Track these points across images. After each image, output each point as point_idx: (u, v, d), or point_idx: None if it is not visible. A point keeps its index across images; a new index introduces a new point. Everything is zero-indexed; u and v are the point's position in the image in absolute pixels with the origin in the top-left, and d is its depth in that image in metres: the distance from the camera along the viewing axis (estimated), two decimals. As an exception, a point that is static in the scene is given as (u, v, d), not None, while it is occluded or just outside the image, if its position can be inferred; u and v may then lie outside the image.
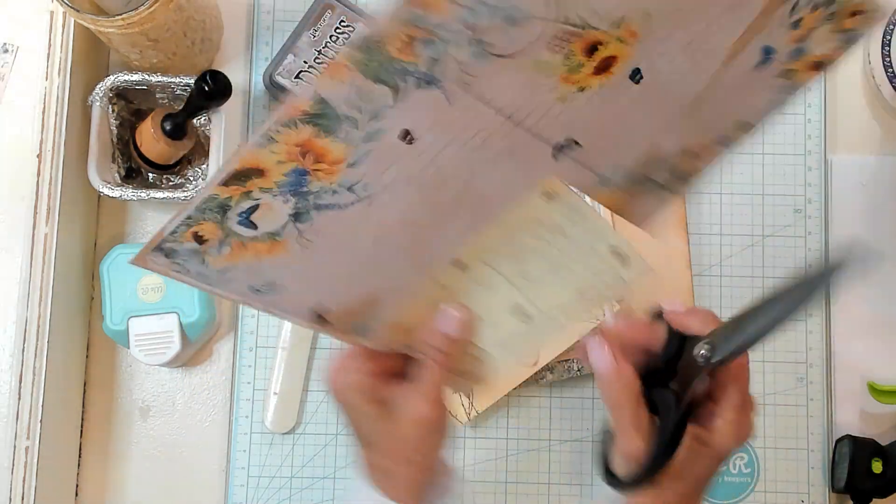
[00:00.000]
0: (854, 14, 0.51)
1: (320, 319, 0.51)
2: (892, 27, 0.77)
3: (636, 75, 0.49)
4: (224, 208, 0.45)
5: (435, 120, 0.47)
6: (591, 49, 0.46)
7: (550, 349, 0.54)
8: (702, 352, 0.48)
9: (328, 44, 0.76)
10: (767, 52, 0.51)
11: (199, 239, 0.46)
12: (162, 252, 0.46)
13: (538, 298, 0.55)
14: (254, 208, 0.46)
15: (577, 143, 0.50)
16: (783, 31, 0.51)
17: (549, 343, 0.54)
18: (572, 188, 0.52)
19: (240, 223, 0.46)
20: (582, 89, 0.48)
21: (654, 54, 0.48)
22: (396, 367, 0.54)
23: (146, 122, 0.73)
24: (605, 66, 0.47)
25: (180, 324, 0.71)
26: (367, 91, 0.44)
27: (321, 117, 0.44)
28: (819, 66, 0.53)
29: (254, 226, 0.46)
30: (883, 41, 0.77)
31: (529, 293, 0.55)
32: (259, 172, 0.45)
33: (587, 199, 0.53)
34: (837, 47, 0.52)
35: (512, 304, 0.55)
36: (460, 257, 0.53)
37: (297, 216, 0.47)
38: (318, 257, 0.49)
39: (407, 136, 0.46)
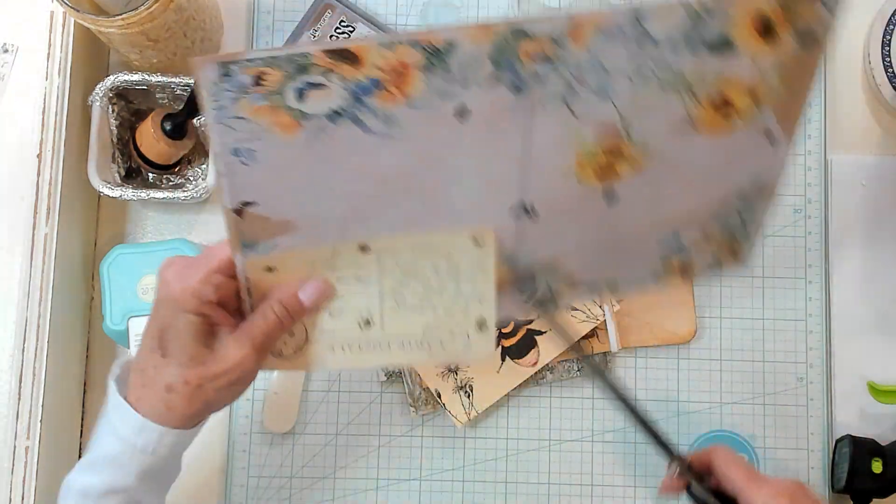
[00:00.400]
0: (732, 252, 0.61)
1: (237, 212, 0.51)
2: (892, 27, 0.77)
3: (612, 200, 0.56)
4: (302, 70, 0.47)
5: (490, 120, 0.50)
6: (609, 152, 0.53)
7: (357, 365, 0.59)
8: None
9: (328, 44, 0.76)
10: (674, 236, 0.60)
11: (258, 80, 0.47)
12: (221, 69, 0.47)
13: (389, 322, 0.57)
14: (318, 86, 0.48)
15: (533, 211, 0.55)
16: (695, 231, 0.59)
17: (367, 361, 0.58)
18: (493, 248, 0.56)
19: (295, 90, 0.48)
20: (578, 180, 0.54)
21: (632, 191, 0.56)
22: (234, 299, 0.55)
23: (146, 122, 0.73)
24: (605, 175, 0.54)
25: (180, 324, 0.71)
26: (480, 63, 0.48)
27: (437, 57, 0.47)
28: (685, 271, 0.61)
29: (300, 99, 0.48)
30: (883, 41, 0.77)
31: (386, 314, 0.57)
32: (356, 62, 0.47)
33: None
34: (704, 266, 0.61)
35: (365, 312, 0.57)
36: (368, 243, 0.55)
37: (336, 114, 0.49)
38: (303, 158, 0.50)
39: (463, 114, 0.50)
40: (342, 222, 0.54)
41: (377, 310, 0.57)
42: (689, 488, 0.59)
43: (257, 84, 0.47)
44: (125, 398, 0.53)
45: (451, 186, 0.53)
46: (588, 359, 0.58)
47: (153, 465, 0.53)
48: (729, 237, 0.60)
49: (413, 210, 0.54)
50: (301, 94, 0.48)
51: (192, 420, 0.54)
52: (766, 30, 0.51)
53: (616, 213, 0.57)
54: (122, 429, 0.52)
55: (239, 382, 0.54)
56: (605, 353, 0.75)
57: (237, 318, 0.55)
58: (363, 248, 0.55)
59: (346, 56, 0.47)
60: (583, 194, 0.55)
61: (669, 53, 0.51)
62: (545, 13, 0.49)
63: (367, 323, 0.57)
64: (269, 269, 0.55)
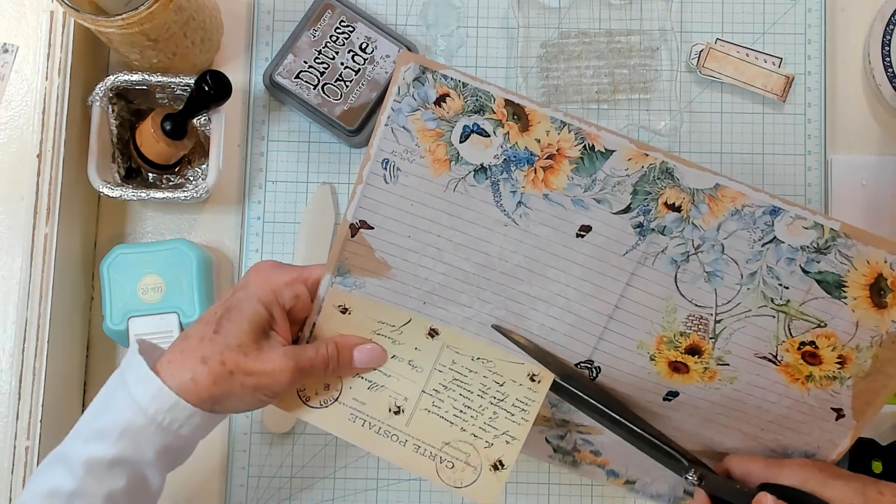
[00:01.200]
0: None
1: (353, 229, 0.54)
2: (891, 27, 0.77)
3: (673, 396, 0.57)
4: (479, 109, 0.52)
5: (605, 247, 0.53)
6: (692, 350, 0.55)
7: (380, 451, 0.59)
8: (688, 476, 0.56)
9: (328, 44, 0.76)
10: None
11: (440, 100, 0.52)
12: (419, 72, 0.51)
13: (416, 420, 0.57)
14: (484, 134, 0.52)
15: (596, 372, 0.57)
16: None
17: (378, 448, 0.58)
18: (546, 394, 0.57)
19: (465, 127, 0.52)
20: (651, 360, 0.56)
21: (694, 400, 0.57)
22: (301, 317, 0.57)
23: (146, 122, 0.73)
24: (677, 367, 0.56)
25: (180, 324, 0.71)
26: (622, 186, 0.52)
27: (591, 160, 0.51)
28: None
29: (463, 139, 0.52)
30: (883, 41, 0.77)
31: (418, 412, 0.57)
32: (524, 126, 0.51)
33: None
34: None
35: (401, 401, 0.57)
36: (440, 329, 0.57)
37: (482, 170, 0.53)
38: (434, 203, 0.53)
39: (584, 231, 0.53)
40: (429, 292, 0.56)
41: (412, 404, 0.57)
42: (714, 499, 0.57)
43: (438, 104, 0.51)
44: (151, 368, 0.52)
45: (538, 304, 0.55)
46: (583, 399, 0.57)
47: (172, 444, 0.53)
48: None
49: (495, 315, 0.56)
50: (466, 135, 0.52)
51: (208, 403, 0.53)
52: (877, 293, 0.53)
53: (667, 412, 0.58)
54: (144, 400, 0.51)
55: (264, 390, 0.54)
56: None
57: (294, 339, 0.56)
58: (432, 333, 0.57)
59: (519, 114, 0.51)
60: (647, 378, 0.57)
61: (784, 267, 0.53)
62: (696, 169, 0.52)
63: (397, 412, 0.57)
64: (344, 311, 0.56)
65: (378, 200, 0.54)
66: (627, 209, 0.53)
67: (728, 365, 0.56)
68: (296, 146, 0.78)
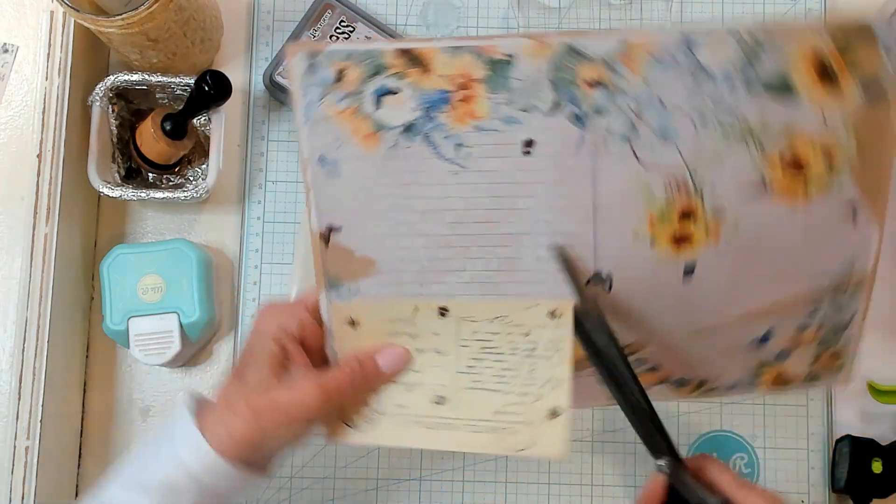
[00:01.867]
0: (833, 356, 0.57)
1: (323, 238, 0.53)
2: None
3: (689, 272, 0.53)
4: (378, 70, 0.50)
5: (555, 154, 0.51)
6: (685, 214, 0.52)
7: (427, 444, 0.57)
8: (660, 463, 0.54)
9: (328, 44, 0.76)
10: (768, 334, 0.56)
11: (339, 75, 0.50)
12: (309, 59, 0.50)
13: (462, 401, 0.56)
14: (393, 92, 0.51)
15: (609, 283, 0.54)
16: (789, 327, 0.56)
17: (438, 441, 0.56)
18: (572, 325, 0.54)
19: (373, 93, 0.51)
20: (652, 244, 0.53)
21: (710, 265, 0.53)
22: (317, 346, 0.56)
23: (146, 122, 0.73)
24: (679, 240, 0.53)
25: (180, 324, 0.71)
26: (539, 85, 0.50)
27: (499, 72, 0.50)
28: (779, 381, 0.58)
29: (377, 106, 0.51)
30: (883, 41, 0.77)
31: (460, 393, 0.56)
32: (424, 69, 0.50)
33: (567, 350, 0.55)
34: (802, 377, 0.57)
35: (440, 389, 0.56)
36: (447, 305, 0.55)
37: (408, 128, 0.51)
38: (382, 178, 0.52)
39: (528, 146, 0.51)
40: (421, 272, 0.55)
41: (452, 387, 0.56)
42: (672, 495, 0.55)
43: (338, 80, 0.50)
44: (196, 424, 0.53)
45: (524, 240, 0.53)
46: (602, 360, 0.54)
47: (210, 501, 0.53)
48: (831, 338, 0.57)
49: (490, 267, 0.54)
50: (378, 100, 0.51)
51: (247, 451, 0.52)
52: (825, 74, 0.50)
53: (695, 290, 0.55)
54: (189, 461, 0.51)
55: (297, 421, 0.53)
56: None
57: (318, 370, 0.56)
58: (443, 312, 0.55)
59: (414, 58, 0.50)
60: (657, 264, 0.54)
61: (727, 92, 0.50)
62: (596, 36, 0.50)
63: (441, 400, 0.56)
64: (353, 324, 0.55)
65: (332, 198, 0.53)
66: (556, 105, 0.51)
67: (725, 211, 0.52)
68: (296, 146, 0.78)
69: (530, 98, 0.50)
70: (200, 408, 0.54)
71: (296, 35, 0.76)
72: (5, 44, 0.74)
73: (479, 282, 0.55)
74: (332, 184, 0.52)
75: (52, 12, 0.71)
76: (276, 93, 0.77)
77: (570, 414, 0.54)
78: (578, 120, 0.51)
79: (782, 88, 0.50)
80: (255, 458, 0.53)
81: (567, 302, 0.54)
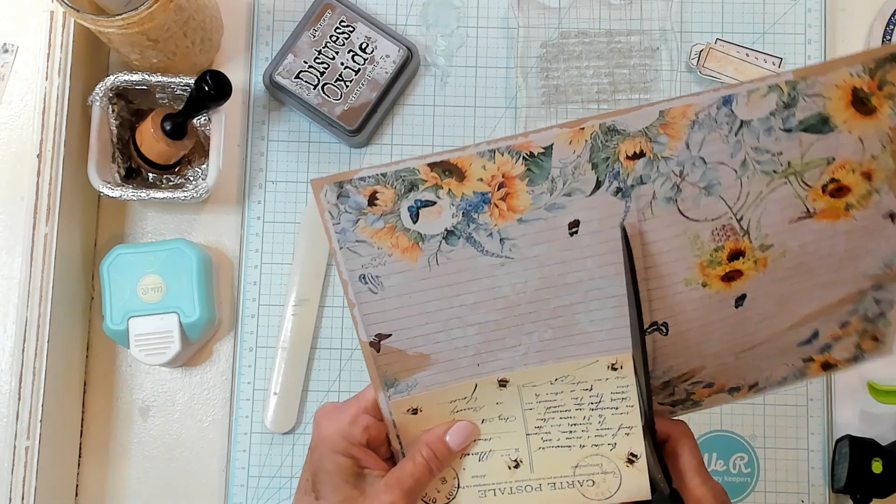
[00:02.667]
0: (874, 338, 0.58)
1: (374, 346, 0.53)
2: (891, 27, 0.77)
3: (741, 301, 0.54)
4: (412, 187, 0.50)
5: (602, 229, 0.52)
6: (734, 256, 0.53)
7: None
8: None
9: (328, 44, 0.76)
10: (814, 336, 0.57)
11: (372, 199, 0.49)
12: (338, 189, 0.49)
13: (538, 462, 0.56)
14: (429, 203, 0.50)
15: (665, 328, 0.55)
16: (833, 325, 0.57)
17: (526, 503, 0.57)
18: (633, 374, 0.55)
19: (409, 209, 0.50)
20: (704, 285, 0.53)
21: (761, 291, 0.54)
22: (381, 439, 0.56)
23: (146, 122, 0.73)
24: (730, 278, 0.54)
25: (180, 324, 0.71)
26: (580, 169, 0.50)
27: (538, 165, 0.49)
28: (827, 367, 0.59)
29: (415, 219, 0.50)
30: (883, 41, 0.77)
31: (534, 454, 0.56)
32: (460, 176, 0.49)
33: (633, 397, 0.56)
34: (847, 359, 0.59)
35: (514, 454, 0.56)
36: (507, 377, 0.55)
37: (450, 234, 0.51)
38: (427, 284, 0.52)
39: (574, 227, 0.51)
40: (476, 355, 0.55)
41: (525, 450, 0.56)
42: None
43: (372, 203, 0.49)
44: None
45: (577, 308, 0.54)
46: None
47: None
48: (870, 326, 0.58)
49: (545, 338, 0.55)
50: (415, 214, 0.50)
51: None
52: (861, 105, 0.51)
53: (747, 315, 0.56)
54: None
55: None
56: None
57: (389, 464, 0.55)
58: (502, 384, 0.55)
59: (449, 169, 0.49)
60: (710, 301, 0.54)
61: (767, 139, 0.50)
62: (634, 112, 0.49)
63: (517, 464, 0.56)
64: (414, 412, 0.55)
65: (378, 311, 0.52)
66: (599, 184, 0.50)
67: (772, 245, 0.53)
68: (296, 146, 0.78)
69: (572, 183, 0.50)
70: None
71: (296, 35, 0.76)
72: (5, 44, 0.74)
73: (536, 351, 0.55)
74: (376, 297, 0.52)
75: (52, 12, 0.71)
76: (276, 93, 0.77)
77: (646, 458, 0.55)
78: (622, 192, 0.51)
79: (821, 126, 0.51)
80: None
81: (626, 354, 0.55)
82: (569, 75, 0.78)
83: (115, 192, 0.72)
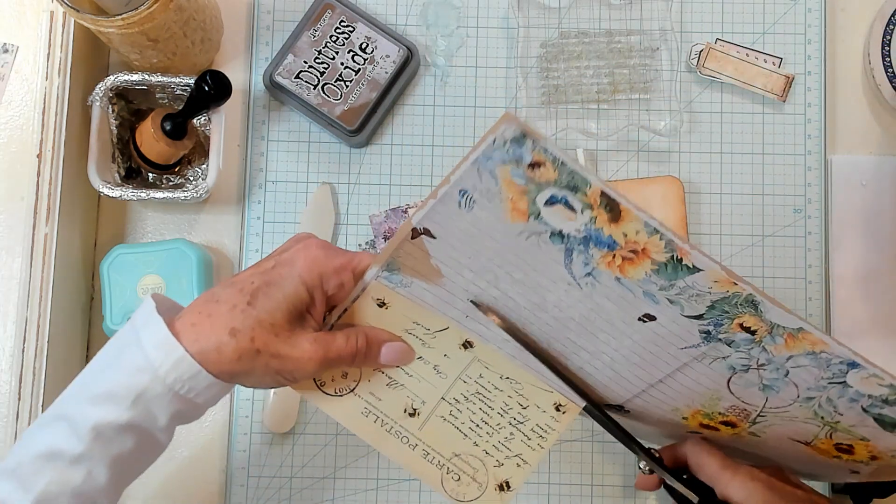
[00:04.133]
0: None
1: (414, 233, 0.52)
2: (892, 27, 0.77)
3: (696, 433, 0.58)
4: (571, 188, 0.48)
5: (663, 338, 0.52)
6: (726, 423, 0.56)
7: (392, 453, 0.58)
8: (641, 464, 0.56)
9: (328, 44, 0.76)
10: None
11: (534, 165, 0.47)
12: (519, 135, 0.47)
13: (430, 426, 0.56)
14: (570, 207, 0.48)
15: (624, 411, 0.58)
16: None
17: (385, 446, 0.57)
18: (565, 428, 0.57)
19: (552, 196, 0.48)
20: (682, 420, 0.56)
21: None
22: (339, 301, 0.55)
23: (146, 122, 0.73)
24: (707, 427, 0.57)
25: (180, 324, 0.71)
26: (700, 299, 0.50)
27: (676, 271, 0.49)
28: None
29: (547, 204, 0.48)
30: (883, 41, 0.77)
31: (433, 418, 0.57)
32: (615, 219, 0.48)
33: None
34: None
35: (418, 404, 0.57)
36: (475, 342, 0.56)
37: (559, 236, 0.49)
38: (503, 241, 0.51)
39: (648, 319, 0.51)
40: (474, 309, 0.55)
41: (428, 409, 0.56)
42: (665, 483, 0.57)
43: (530, 167, 0.47)
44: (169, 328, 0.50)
45: (582, 355, 0.55)
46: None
47: (186, 410, 0.51)
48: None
49: (539, 349, 0.55)
50: (552, 202, 0.48)
51: (226, 375, 0.51)
52: None
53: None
54: (163, 368, 0.49)
55: (287, 374, 0.52)
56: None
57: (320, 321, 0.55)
58: (466, 345, 0.56)
59: (612, 207, 0.48)
60: (676, 427, 0.57)
61: (845, 404, 0.52)
62: (783, 311, 0.49)
63: (412, 414, 0.56)
64: (381, 304, 0.55)
65: (447, 218, 0.51)
66: (699, 317, 0.50)
67: (759, 437, 0.56)
68: (296, 146, 0.78)
69: (682, 299, 0.50)
70: (170, 310, 0.52)
71: (296, 35, 0.76)
72: (5, 44, 0.74)
73: (518, 347, 0.55)
74: (457, 211, 0.50)
75: (52, 12, 0.71)
76: (276, 93, 0.77)
77: (516, 494, 0.56)
78: (707, 335, 0.51)
79: (891, 426, 0.52)
80: (227, 380, 0.51)
81: (576, 407, 0.56)
82: (569, 75, 0.78)
83: (115, 192, 0.72)
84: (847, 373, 0.50)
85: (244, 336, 0.50)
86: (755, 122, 0.78)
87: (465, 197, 0.50)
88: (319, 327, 0.54)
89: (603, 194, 0.47)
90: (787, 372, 0.51)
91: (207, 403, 0.52)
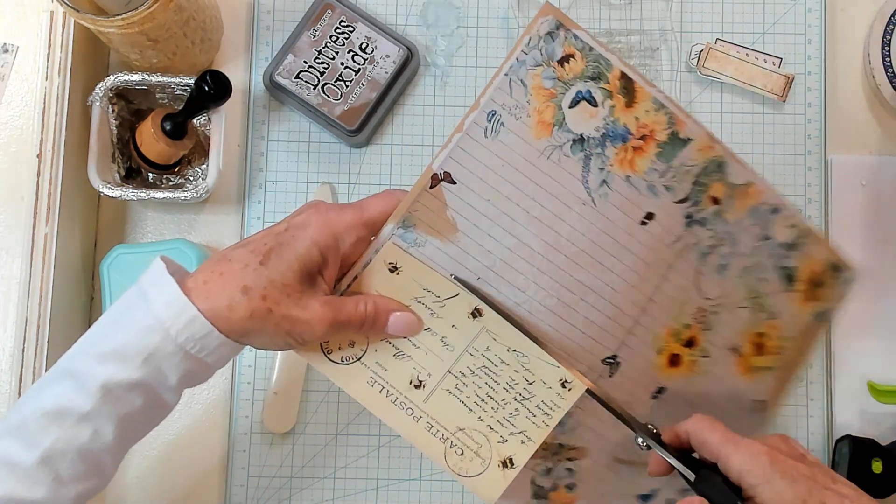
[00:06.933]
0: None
1: (434, 179, 0.54)
2: (892, 27, 0.77)
3: (659, 392, 0.60)
4: (596, 76, 0.55)
5: (659, 236, 0.56)
6: (688, 343, 0.59)
7: (396, 425, 0.57)
8: (639, 440, 0.55)
9: (328, 44, 0.76)
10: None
11: (565, 59, 0.54)
12: (554, 27, 0.53)
13: (435, 399, 0.56)
14: (592, 102, 0.54)
15: (616, 368, 0.59)
16: None
17: (389, 417, 0.57)
18: (572, 405, 0.56)
19: (578, 92, 0.54)
20: (657, 353, 0.59)
21: (672, 394, 0.60)
22: (352, 261, 0.55)
23: (146, 122, 0.73)
24: (672, 362, 0.59)
25: (180, 324, 0.71)
26: (687, 175, 0.56)
27: (674, 145, 0.55)
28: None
29: (572, 105, 0.54)
30: (883, 41, 0.77)
31: (438, 391, 0.56)
32: (630, 101, 0.54)
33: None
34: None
35: (424, 376, 0.56)
36: (483, 310, 0.56)
37: (579, 140, 0.54)
38: (525, 167, 0.54)
39: (648, 218, 0.56)
40: (488, 267, 0.55)
41: (434, 381, 0.56)
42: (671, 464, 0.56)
43: (561, 63, 0.53)
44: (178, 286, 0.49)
45: (587, 296, 0.56)
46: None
47: (195, 370, 0.51)
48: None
49: (546, 303, 0.56)
50: (577, 102, 0.53)
51: (237, 334, 0.50)
52: (814, 287, 0.59)
53: (654, 411, 0.60)
54: (174, 327, 0.49)
55: (296, 336, 0.52)
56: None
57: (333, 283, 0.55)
58: (475, 313, 0.56)
59: (629, 89, 0.54)
60: (648, 373, 0.59)
61: (769, 259, 0.58)
62: (738, 164, 0.56)
63: (418, 386, 0.56)
64: (393, 269, 0.55)
65: (470, 154, 0.53)
66: (685, 200, 0.55)
67: (708, 357, 0.58)
68: (296, 146, 0.78)
69: (675, 181, 0.55)
70: (179, 273, 0.51)
71: (296, 35, 0.76)
72: (5, 44, 0.74)
73: (527, 310, 0.56)
74: (482, 141, 0.53)
75: (52, 12, 0.71)
76: (276, 93, 0.77)
77: (519, 471, 0.56)
78: (689, 219, 0.56)
79: (788, 281, 0.59)
80: (237, 339, 0.51)
81: (581, 384, 0.56)
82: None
83: (115, 192, 0.72)
84: (772, 222, 0.57)
85: (256, 294, 0.50)
86: (755, 122, 0.78)
87: (493, 120, 0.53)
88: (330, 292, 0.54)
89: (622, 75, 0.53)
90: (736, 241, 0.57)
91: (216, 364, 0.52)
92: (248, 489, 0.74)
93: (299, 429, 0.75)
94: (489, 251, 0.55)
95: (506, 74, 0.53)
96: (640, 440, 0.55)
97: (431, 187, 0.54)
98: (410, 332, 0.56)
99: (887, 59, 0.77)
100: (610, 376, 0.58)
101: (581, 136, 0.54)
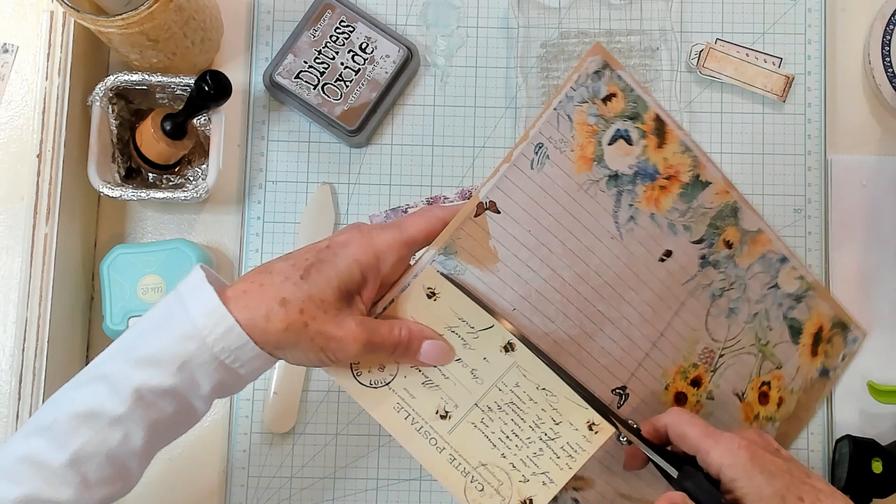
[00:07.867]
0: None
1: (480, 208, 0.55)
2: (892, 27, 0.77)
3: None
4: (635, 116, 0.58)
5: (674, 273, 0.59)
6: (694, 383, 0.61)
7: (417, 454, 0.57)
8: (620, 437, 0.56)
9: (328, 44, 0.76)
10: None
11: (608, 98, 0.58)
12: (602, 66, 0.57)
13: (459, 432, 0.56)
14: (628, 140, 0.57)
15: (624, 400, 0.61)
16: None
17: (412, 445, 0.56)
18: (598, 449, 0.56)
19: (617, 130, 0.57)
20: (664, 391, 0.61)
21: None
22: (381, 290, 0.55)
23: (146, 122, 0.73)
24: (677, 400, 0.62)
25: (180, 324, 0.71)
26: (703, 219, 0.59)
27: (692, 189, 0.58)
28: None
29: (611, 142, 0.57)
30: (883, 41, 0.77)
31: (462, 424, 0.56)
32: (661, 143, 0.58)
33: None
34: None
35: (451, 408, 0.56)
36: (516, 345, 0.56)
37: (614, 177, 0.57)
38: (565, 200, 0.56)
39: (667, 255, 0.58)
40: (523, 298, 0.56)
41: (461, 413, 0.56)
42: (651, 459, 0.56)
43: (604, 101, 0.56)
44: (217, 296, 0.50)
45: (605, 327, 0.57)
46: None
47: (228, 381, 0.51)
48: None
49: (570, 333, 0.57)
50: (615, 139, 0.56)
51: (271, 346, 0.50)
52: (815, 343, 0.63)
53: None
54: (211, 336, 0.49)
55: (329, 353, 0.52)
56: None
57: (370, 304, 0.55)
58: (507, 348, 0.55)
59: (661, 130, 0.57)
60: (655, 408, 0.60)
61: (776, 308, 0.61)
62: (751, 212, 0.60)
63: (444, 416, 0.56)
64: (431, 295, 0.55)
65: (516, 184, 0.55)
66: (700, 240, 0.58)
67: (713, 399, 0.60)
68: (296, 146, 0.78)
69: (692, 221, 0.58)
70: (216, 285, 0.51)
71: (296, 35, 0.76)
72: (5, 44, 0.74)
73: (554, 340, 0.57)
74: (528, 173, 0.55)
75: (52, 12, 0.71)
76: (276, 93, 0.77)
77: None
78: (703, 260, 0.59)
79: (796, 333, 0.62)
80: (271, 351, 0.51)
81: (609, 428, 0.55)
82: (569, 75, 0.78)
83: (115, 192, 0.72)
84: (780, 271, 0.60)
85: (294, 307, 0.50)
86: (755, 122, 0.78)
87: (540, 152, 0.55)
88: (367, 313, 0.54)
89: (656, 117, 0.56)
90: (746, 286, 0.60)
91: (249, 376, 0.52)
92: (249, 489, 0.74)
93: (299, 429, 0.75)
94: (526, 282, 0.55)
95: (555, 109, 0.55)
96: (621, 437, 0.55)
97: (476, 216, 0.54)
98: (441, 361, 0.56)
99: (887, 59, 0.77)
100: (619, 406, 0.59)
101: (616, 172, 0.56)
